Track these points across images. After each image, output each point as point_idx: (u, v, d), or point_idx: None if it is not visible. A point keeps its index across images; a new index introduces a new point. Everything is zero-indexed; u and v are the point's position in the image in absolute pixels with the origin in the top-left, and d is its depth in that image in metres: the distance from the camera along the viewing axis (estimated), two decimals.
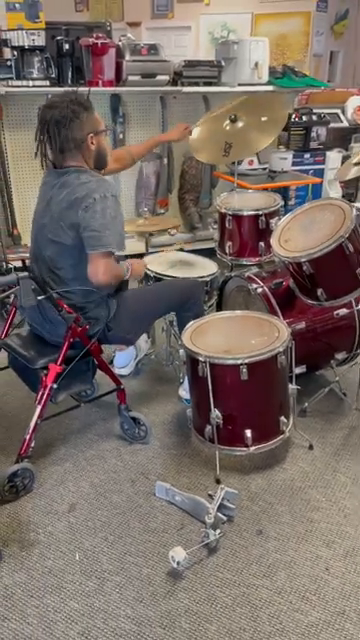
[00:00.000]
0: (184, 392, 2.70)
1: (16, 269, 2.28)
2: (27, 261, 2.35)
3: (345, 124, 5.11)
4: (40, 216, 2.22)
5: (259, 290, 2.58)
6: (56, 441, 2.49)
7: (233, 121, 2.81)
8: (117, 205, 2.12)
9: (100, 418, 2.66)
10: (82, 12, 9.81)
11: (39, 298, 2.05)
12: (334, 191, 4.86)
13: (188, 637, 1.66)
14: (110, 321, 2.26)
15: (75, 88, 2.43)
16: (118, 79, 4.07)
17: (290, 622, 1.70)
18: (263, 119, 2.79)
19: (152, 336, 3.14)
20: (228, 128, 2.83)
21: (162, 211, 4.72)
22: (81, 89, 2.30)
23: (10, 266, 3.63)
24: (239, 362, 2.12)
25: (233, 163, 4.36)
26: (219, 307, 2.95)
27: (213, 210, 4.85)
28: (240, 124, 2.81)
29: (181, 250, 3.59)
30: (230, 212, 2.79)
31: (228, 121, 2.83)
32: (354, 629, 1.68)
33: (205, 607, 1.75)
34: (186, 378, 2.66)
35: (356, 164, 2.21)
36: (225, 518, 2.01)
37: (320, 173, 4.73)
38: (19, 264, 3.91)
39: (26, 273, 2.01)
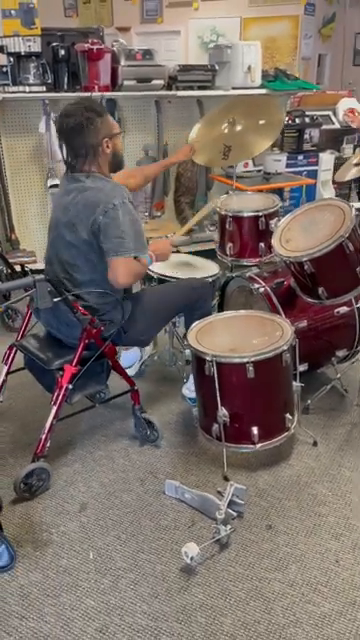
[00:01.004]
0: (187, 391, 2.73)
1: (32, 272, 2.32)
2: (27, 267, 2.39)
3: (337, 126, 5.18)
4: (57, 221, 2.26)
5: (261, 290, 2.62)
6: (64, 443, 2.52)
7: (232, 124, 2.86)
8: (133, 209, 2.18)
9: (107, 420, 2.69)
10: (72, 17, 9.84)
11: (55, 300, 2.08)
12: (327, 192, 4.92)
13: (204, 631, 1.69)
14: (125, 323, 2.30)
15: (89, 94, 2.49)
16: (114, 84, 4.10)
17: (303, 613, 1.74)
18: (261, 122, 2.84)
19: (154, 337, 3.17)
20: (227, 131, 2.87)
21: (158, 214, 4.76)
22: (95, 94, 2.36)
23: (26, 269, 3.71)
24: (245, 360, 2.16)
25: (230, 166, 4.43)
26: (220, 308, 2.99)
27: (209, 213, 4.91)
28: (238, 127, 2.86)
29: (177, 252, 3.64)
30: (231, 214, 2.83)
31: (227, 124, 2.88)
32: None
33: (219, 601, 1.79)
34: (190, 377, 2.70)
35: (356, 165, 2.26)
36: (235, 514, 2.04)
37: (313, 174, 4.80)
38: (18, 268, 3.96)
39: (42, 276, 2.05)
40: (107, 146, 2.22)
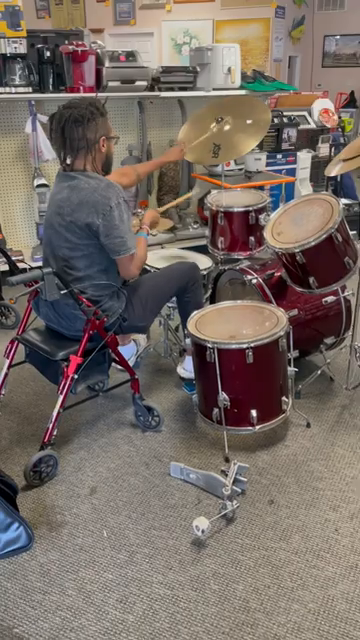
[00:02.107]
0: (183, 370, 2.83)
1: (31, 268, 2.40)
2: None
3: (312, 126, 5.37)
4: (52, 219, 2.33)
5: (254, 281, 2.75)
6: (68, 432, 2.60)
7: (220, 124, 2.98)
8: (127, 207, 2.29)
9: (107, 409, 2.78)
10: (44, 19, 9.87)
11: (62, 292, 2.16)
12: (305, 189, 5.11)
13: (219, 597, 1.81)
14: (124, 311, 2.39)
15: (94, 94, 2.58)
16: (98, 85, 4.20)
17: (309, 577, 1.87)
18: (248, 122, 2.96)
19: (148, 330, 3.27)
20: (215, 130, 2.99)
21: (142, 211, 4.85)
22: (100, 94, 2.44)
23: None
24: (245, 346, 2.28)
25: (212, 165, 4.56)
26: (212, 300, 3.10)
27: (191, 211, 5.05)
28: (227, 127, 2.98)
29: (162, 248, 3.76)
30: (222, 209, 2.96)
31: (215, 124, 3.00)
32: None
33: (230, 570, 1.90)
34: (186, 358, 2.81)
35: (344, 160, 2.41)
36: (239, 490, 2.16)
37: (292, 172, 4.97)
38: (6, 268, 4.01)
39: (50, 269, 2.13)
40: (103, 145, 2.29)
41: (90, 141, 2.23)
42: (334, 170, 2.48)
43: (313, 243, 2.44)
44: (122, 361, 2.54)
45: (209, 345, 2.32)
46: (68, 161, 2.27)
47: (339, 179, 5.44)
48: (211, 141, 2.96)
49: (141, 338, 3.13)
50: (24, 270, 2.36)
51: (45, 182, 4.24)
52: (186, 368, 2.80)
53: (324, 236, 2.42)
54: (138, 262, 2.37)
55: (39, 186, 4.23)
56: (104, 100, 2.35)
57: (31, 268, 2.32)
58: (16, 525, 1.96)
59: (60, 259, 2.31)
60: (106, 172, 2.40)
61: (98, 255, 2.29)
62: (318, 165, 5.41)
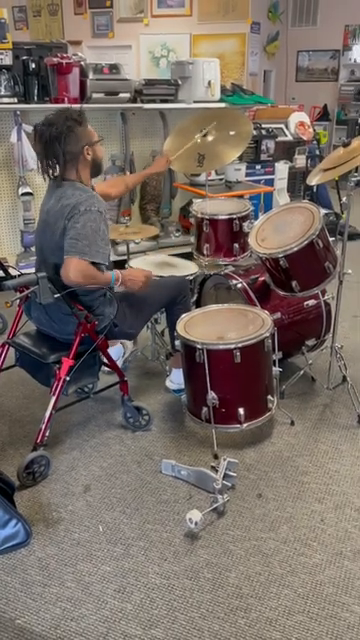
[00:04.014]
0: (170, 383, 2.93)
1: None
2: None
3: (289, 138, 5.54)
4: (42, 227, 2.40)
5: (239, 285, 2.86)
6: (60, 433, 2.66)
7: (204, 135, 3.10)
8: (101, 220, 2.29)
9: (97, 411, 2.85)
10: (22, 30, 9.94)
11: (56, 296, 2.23)
12: (283, 199, 5.26)
13: (212, 584, 1.89)
14: (115, 317, 2.47)
15: (69, 105, 2.64)
16: (82, 96, 4.29)
17: (298, 564, 1.97)
18: (231, 133, 3.09)
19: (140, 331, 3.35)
20: (199, 141, 3.11)
21: (125, 220, 4.94)
22: (74, 106, 2.51)
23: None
24: (232, 347, 2.38)
25: (193, 174, 4.68)
26: (197, 304, 3.20)
27: (173, 219, 5.16)
28: (210, 138, 3.09)
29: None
30: (207, 217, 3.07)
31: (199, 134, 3.11)
32: (351, 565, 1.96)
33: (223, 559, 1.99)
34: (173, 370, 2.90)
35: (325, 170, 2.54)
36: (230, 484, 2.25)
37: (270, 182, 5.13)
38: None
39: (44, 273, 2.20)
40: (87, 153, 2.36)
41: (74, 154, 2.30)
42: (314, 179, 2.61)
43: (295, 249, 2.56)
44: (112, 364, 2.61)
45: (198, 346, 2.41)
46: (56, 173, 2.34)
47: (315, 189, 5.62)
48: (196, 151, 3.07)
49: (128, 342, 3.21)
50: (14, 277, 2.44)
51: (30, 190, 4.30)
52: (174, 381, 2.88)
53: (306, 242, 2.55)
54: (81, 273, 2.22)
55: (24, 194, 4.29)
56: (79, 108, 2.40)
57: (20, 274, 2.39)
58: (14, 522, 2.02)
59: (51, 266, 2.36)
60: (96, 174, 2.48)
61: None
62: (295, 176, 5.59)
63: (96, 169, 2.47)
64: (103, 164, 2.54)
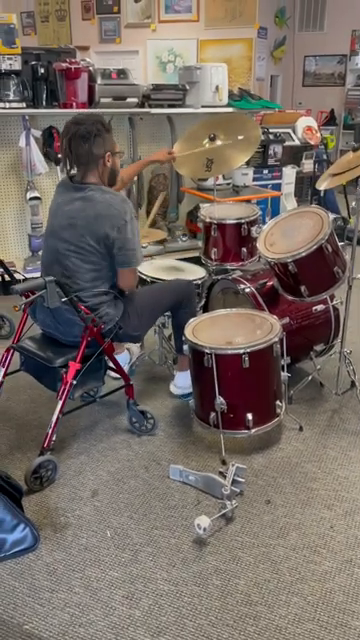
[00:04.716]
0: (175, 388, 2.91)
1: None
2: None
3: (297, 142, 5.54)
4: (59, 228, 2.38)
5: (247, 290, 2.86)
6: (67, 438, 2.65)
7: (212, 140, 3.10)
8: (137, 223, 2.40)
9: (104, 415, 2.85)
10: (30, 36, 10.00)
11: (63, 300, 2.23)
12: (290, 204, 5.26)
13: (221, 591, 1.88)
14: (119, 320, 2.47)
15: (100, 111, 2.66)
16: (91, 101, 4.30)
17: (307, 572, 1.95)
18: (240, 137, 3.08)
19: (142, 339, 3.35)
20: (208, 145, 3.11)
21: None
22: (93, 110, 2.51)
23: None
24: (241, 352, 2.37)
25: (200, 179, 4.69)
26: (205, 309, 3.20)
27: (180, 223, 5.16)
28: (219, 142, 3.09)
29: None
30: (215, 221, 3.07)
31: (207, 139, 3.11)
32: None
33: (231, 566, 1.97)
34: (177, 375, 2.89)
35: (333, 175, 2.53)
36: (238, 490, 2.24)
37: (277, 187, 5.12)
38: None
39: (52, 277, 2.20)
40: (108, 160, 2.38)
41: (96, 156, 2.33)
42: (324, 184, 2.60)
43: (304, 253, 2.55)
44: (118, 367, 2.60)
45: (207, 351, 2.40)
46: (76, 173, 2.36)
47: (322, 194, 5.62)
48: (204, 156, 3.07)
49: (134, 347, 3.20)
50: (19, 281, 2.43)
51: (38, 195, 4.31)
52: (178, 385, 2.87)
53: (315, 247, 2.54)
54: (137, 277, 2.53)
55: (32, 199, 4.30)
56: (110, 118, 2.44)
57: (25, 279, 2.39)
58: (22, 526, 2.01)
59: (64, 267, 2.37)
60: (111, 185, 2.49)
61: (106, 265, 2.38)
62: (302, 180, 5.58)
63: (112, 179, 2.47)
64: (119, 167, 2.55)
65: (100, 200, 2.31)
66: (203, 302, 3.17)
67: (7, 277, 4.07)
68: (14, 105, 4.09)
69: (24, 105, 4.12)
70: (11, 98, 4.08)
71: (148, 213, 5.06)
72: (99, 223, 2.29)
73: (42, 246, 2.59)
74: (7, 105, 4.07)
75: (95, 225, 2.29)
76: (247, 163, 4.96)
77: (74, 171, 2.39)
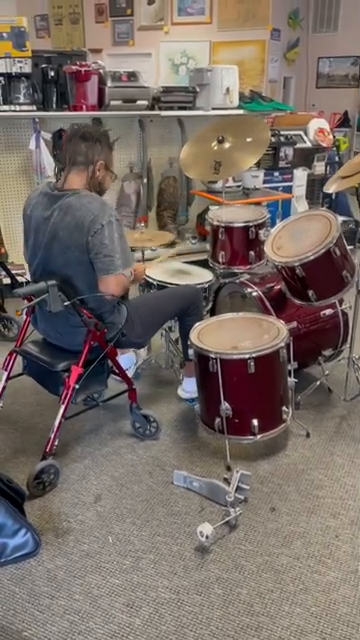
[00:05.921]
0: (183, 392, 2.89)
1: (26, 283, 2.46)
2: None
3: (308, 145, 5.49)
4: (46, 246, 2.29)
5: (254, 294, 2.82)
6: (71, 442, 2.64)
7: (220, 142, 3.07)
8: (119, 225, 2.26)
9: (109, 419, 2.83)
10: (43, 39, 10.05)
11: (65, 304, 2.21)
12: (301, 206, 5.21)
13: (223, 600, 1.85)
14: (123, 327, 2.44)
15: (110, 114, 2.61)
16: (100, 104, 4.30)
17: (311, 582, 1.91)
18: (248, 140, 3.05)
19: (149, 342, 3.33)
20: (216, 148, 3.08)
21: (142, 226, 4.94)
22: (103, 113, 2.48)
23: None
24: (247, 357, 2.34)
25: (210, 182, 4.66)
26: (212, 313, 3.17)
27: (190, 226, 5.14)
28: (227, 145, 3.07)
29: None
30: (223, 225, 3.04)
31: (216, 142, 3.09)
32: None
33: (234, 575, 1.94)
34: (185, 379, 2.87)
35: (343, 177, 2.49)
36: (242, 497, 2.21)
37: (288, 190, 5.08)
38: (8, 281, 4.06)
39: (54, 281, 2.18)
40: (99, 169, 2.31)
41: (90, 159, 2.27)
42: (332, 187, 2.57)
43: (312, 257, 2.52)
44: (120, 372, 2.58)
45: (212, 355, 2.38)
46: (62, 176, 2.32)
47: (334, 197, 5.56)
48: (212, 158, 3.05)
49: (141, 349, 3.18)
50: (22, 284, 2.41)
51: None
52: (186, 389, 2.84)
53: (323, 250, 2.50)
54: (121, 286, 2.29)
55: None
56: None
57: (28, 282, 2.37)
58: (24, 531, 2.00)
59: (60, 275, 2.26)
60: None
61: (94, 273, 2.28)
62: (313, 183, 5.53)
63: (97, 193, 2.37)
64: (109, 187, 2.46)
65: (77, 207, 2.21)
66: (210, 305, 3.14)
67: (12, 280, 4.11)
68: (24, 108, 4.11)
69: (34, 108, 4.13)
70: (21, 101, 4.09)
71: (158, 216, 5.06)
72: (80, 232, 2.19)
73: (29, 261, 2.44)
74: (17, 108, 4.09)
75: (76, 234, 2.20)
76: (257, 165, 4.94)
77: (63, 174, 2.31)
